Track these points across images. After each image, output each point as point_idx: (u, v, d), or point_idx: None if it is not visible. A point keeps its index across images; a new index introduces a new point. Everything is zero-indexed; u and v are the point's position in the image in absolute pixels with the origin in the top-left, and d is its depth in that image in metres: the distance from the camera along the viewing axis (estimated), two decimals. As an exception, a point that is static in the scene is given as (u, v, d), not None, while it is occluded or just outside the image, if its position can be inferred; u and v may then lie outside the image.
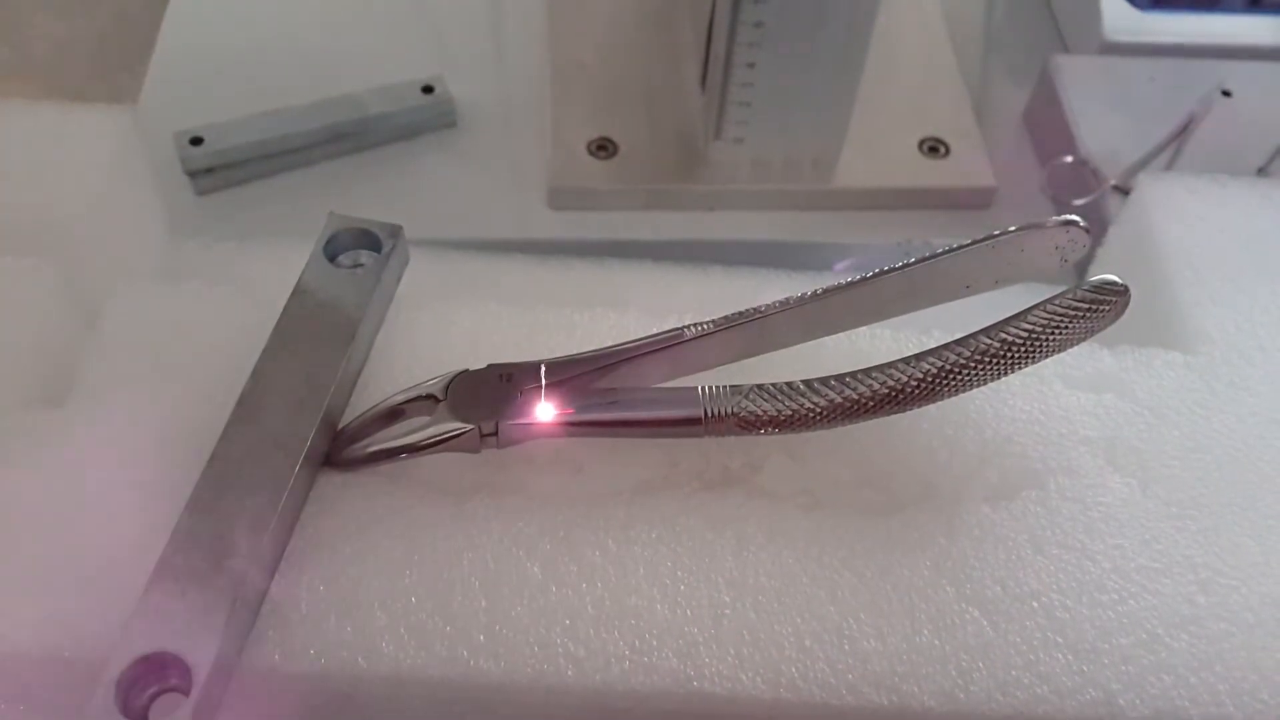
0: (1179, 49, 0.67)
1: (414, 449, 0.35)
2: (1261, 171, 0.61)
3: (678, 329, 0.36)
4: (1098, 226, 0.42)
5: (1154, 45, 0.67)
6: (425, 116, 0.65)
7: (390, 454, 0.35)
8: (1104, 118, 0.63)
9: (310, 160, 0.63)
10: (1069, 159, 0.62)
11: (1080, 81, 0.65)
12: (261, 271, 0.39)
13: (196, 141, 0.61)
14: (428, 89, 0.65)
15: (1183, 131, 0.62)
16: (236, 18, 0.71)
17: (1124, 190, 0.59)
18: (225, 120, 0.62)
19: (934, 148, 0.64)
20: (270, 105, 0.63)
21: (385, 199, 0.62)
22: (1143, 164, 0.61)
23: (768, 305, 0.36)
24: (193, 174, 0.61)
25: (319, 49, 0.69)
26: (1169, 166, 0.61)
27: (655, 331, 0.36)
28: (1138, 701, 0.33)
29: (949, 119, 0.65)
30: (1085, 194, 0.60)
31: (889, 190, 0.63)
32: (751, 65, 0.56)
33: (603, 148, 0.63)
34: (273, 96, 0.64)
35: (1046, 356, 0.34)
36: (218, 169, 0.61)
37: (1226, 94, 0.64)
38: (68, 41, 0.83)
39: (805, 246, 0.61)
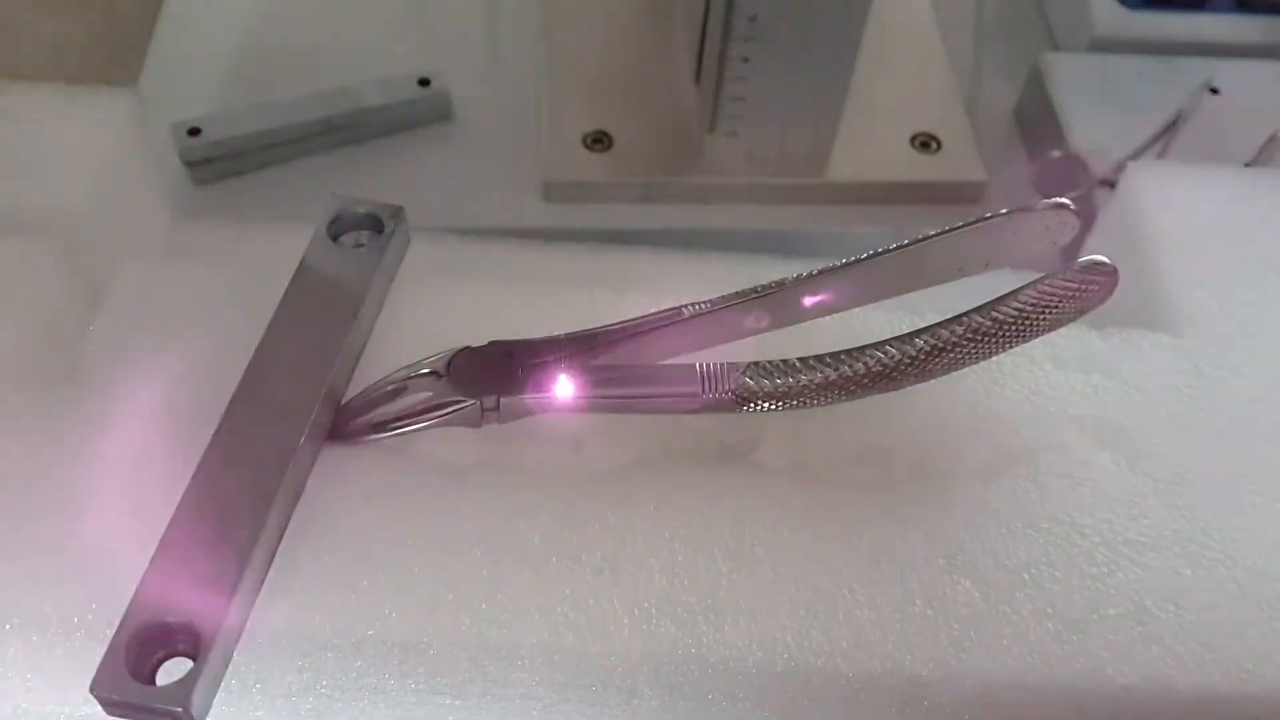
0: (1168, 46, 0.68)
1: (416, 423, 0.35)
2: (1248, 167, 0.62)
3: (676, 308, 0.37)
4: (1087, 220, 0.43)
5: (1143, 43, 0.68)
6: (421, 109, 0.65)
7: (393, 428, 0.36)
8: (1093, 114, 0.64)
9: (307, 152, 0.64)
10: (1059, 154, 0.63)
11: (1070, 78, 0.66)
12: (264, 252, 0.40)
13: (194, 132, 0.61)
14: (424, 82, 0.65)
15: (1171, 128, 0.63)
16: (234, 9, 0.71)
17: (1113, 185, 0.60)
18: (222, 111, 0.63)
19: (925, 143, 0.65)
20: (267, 97, 0.63)
21: (381, 191, 0.61)
22: (1131, 159, 0.61)
23: (764, 286, 0.37)
24: (190, 164, 0.61)
25: (316, 41, 0.70)
26: (1157, 161, 0.62)
27: (653, 310, 0.37)
28: (1126, 670, 0.33)
29: (940, 114, 0.66)
30: (1074, 189, 0.61)
31: (881, 184, 0.63)
32: (745, 59, 0.57)
33: (598, 141, 0.63)
34: (270, 88, 0.64)
35: (1037, 335, 0.35)
36: (215, 159, 0.62)
37: (1214, 91, 0.65)
38: (59, 39, 0.83)
39: (799, 237, 0.62)
